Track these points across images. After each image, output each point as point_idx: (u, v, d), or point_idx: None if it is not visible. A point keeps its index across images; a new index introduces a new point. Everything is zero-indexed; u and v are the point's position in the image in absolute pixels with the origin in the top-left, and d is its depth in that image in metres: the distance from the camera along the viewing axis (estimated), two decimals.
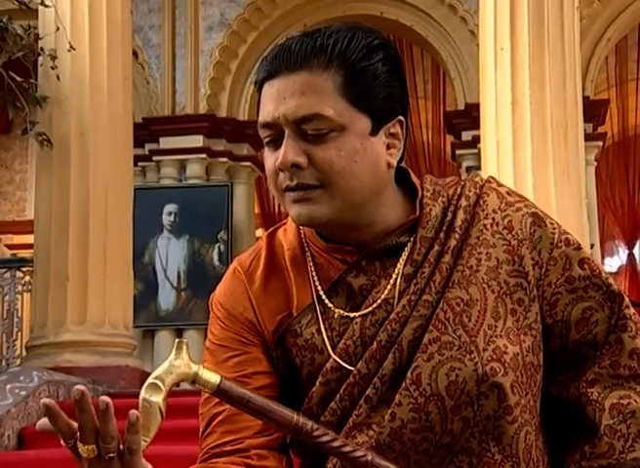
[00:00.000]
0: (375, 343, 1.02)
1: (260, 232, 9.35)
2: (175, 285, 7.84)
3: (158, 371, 0.95)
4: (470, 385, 0.99)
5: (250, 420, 1.04)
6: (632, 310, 1.07)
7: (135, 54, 7.19)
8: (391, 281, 1.04)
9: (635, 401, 1.04)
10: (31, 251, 6.14)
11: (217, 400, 1.06)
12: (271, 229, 1.15)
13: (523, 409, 1.01)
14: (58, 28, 5.43)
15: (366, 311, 1.03)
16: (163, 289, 7.82)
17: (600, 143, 7.75)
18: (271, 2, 8.06)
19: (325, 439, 0.95)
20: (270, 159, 1.03)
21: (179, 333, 7.79)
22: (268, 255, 1.11)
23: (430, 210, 1.05)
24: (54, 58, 5.40)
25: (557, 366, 1.06)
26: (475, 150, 7.02)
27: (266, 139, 1.04)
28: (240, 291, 1.10)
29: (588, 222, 5.56)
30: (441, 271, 1.02)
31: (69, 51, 5.37)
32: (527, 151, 5.05)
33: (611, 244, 10.27)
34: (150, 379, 0.94)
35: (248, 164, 8.26)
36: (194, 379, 0.95)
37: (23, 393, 4.62)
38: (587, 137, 6.32)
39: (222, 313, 1.10)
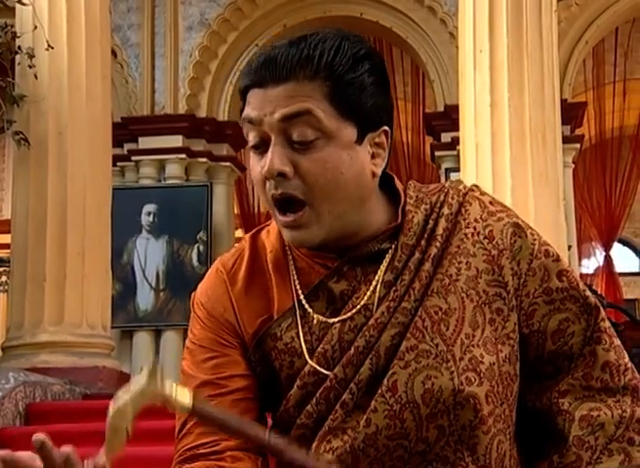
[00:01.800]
0: (352, 349, 1.02)
1: (239, 233, 9.33)
2: (153, 285, 7.81)
3: (128, 394, 0.92)
4: (446, 394, 0.99)
5: None
6: (608, 323, 1.08)
7: (114, 53, 7.15)
8: (371, 287, 1.04)
9: (605, 413, 1.04)
10: (8, 251, 6.09)
11: None
12: (254, 230, 1.15)
13: (497, 418, 1.01)
14: (35, 27, 5.38)
15: (345, 316, 1.03)
16: (142, 289, 7.79)
17: (578, 146, 7.81)
18: (251, 2, 8.04)
19: (296, 457, 0.95)
20: (257, 167, 1.03)
21: (157, 334, 7.76)
22: (251, 257, 1.10)
23: (412, 217, 1.06)
24: (31, 56, 5.35)
25: (532, 375, 1.06)
26: (455, 152, 7.06)
27: (251, 142, 1.03)
28: (221, 291, 1.10)
29: (566, 224, 5.61)
30: (421, 279, 1.03)
31: (47, 49, 5.33)
32: (505, 153, 5.09)
33: (588, 245, 10.36)
34: (120, 403, 0.92)
35: (227, 164, 8.24)
36: (166, 403, 0.94)
37: None
38: (565, 140, 6.37)
39: (203, 313, 1.10)
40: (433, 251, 1.04)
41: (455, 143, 6.93)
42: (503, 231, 1.06)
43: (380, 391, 0.99)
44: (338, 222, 1.02)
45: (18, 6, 5.52)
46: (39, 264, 5.42)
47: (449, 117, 7.29)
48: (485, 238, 1.05)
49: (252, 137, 1.03)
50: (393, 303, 1.02)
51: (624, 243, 12.86)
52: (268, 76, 1.00)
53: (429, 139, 8.38)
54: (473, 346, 1.00)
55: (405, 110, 9.03)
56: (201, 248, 7.82)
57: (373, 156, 1.04)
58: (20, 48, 5.44)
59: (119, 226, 6.75)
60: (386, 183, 1.10)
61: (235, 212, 8.98)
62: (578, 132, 7.91)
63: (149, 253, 7.82)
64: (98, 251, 5.64)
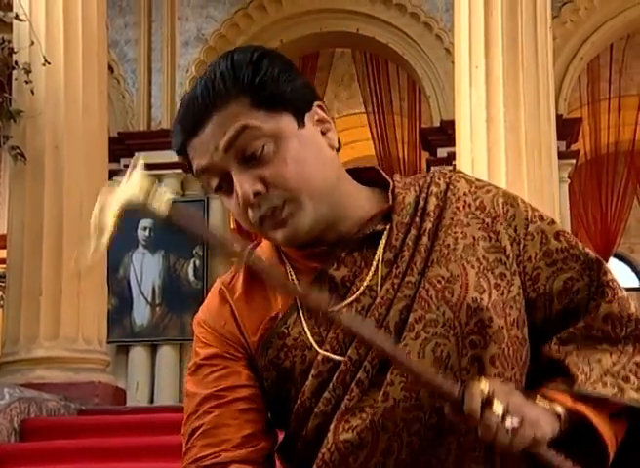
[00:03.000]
0: None
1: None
2: (149, 300, 7.79)
3: (114, 192, 0.95)
4: (453, 359, 1.01)
5: (229, 433, 1.05)
6: (610, 275, 1.09)
7: (110, 68, 7.17)
8: (372, 268, 1.05)
9: (603, 356, 1.04)
10: (4, 266, 6.07)
11: (196, 416, 1.07)
12: (249, 246, 1.15)
13: (507, 381, 1.02)
14: (32, 42, 5.40)
15: (350, 300, 1.05)
16: (138, 304, 7.77)
17: (573, 161, 7.84)
18: (248, 18, 8.08)
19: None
20: (231, 203, 1.05)
21: (153, 349, 7.73)
22: (248, 269, 1.11)
23: (403, 198, 1.08)
24: (28, 72, 5.37)
25: (542, 339, 1.07)
26: (451, 167, 7.07)
27: (214, 186, 1.05)
28: (222, 304, 1.11)
29: None
30: (420, 253, 1.05)
31: (44, 65, 5.34)
32: (501, 168, 5.10)
33: None
34: (105, 200, 0.96)
35: None
36: (144, 206, 0.95)
37: None
38: (561, 155, 6.39)
39: (205, 329, 1.11)
40: (428, 226, 1.06)
41: (451, 158, 6.95)
42: (494, 200, 1.09)
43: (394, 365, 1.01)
44: (321, 204, 1.04)
45: (15, 21, 5.54)
46: (35, 279, 5.40)
47: (445, 132, 7.31)
48: (477, 208, 1.08)
49: (214, 183, 1.05)
50: (397, 279, 1.04)
51: (620, 258, 12.87)
52: (194, 126, 1.03)
53: (425, 155, 8.40)
54: (481, 310, 1.01)
55: (401, 125, 9.05)
56: (197, 263, 7.81)
57: (323, 133, 1.06)
58: (16, 63, 5.46)
59: (115, 241, 6.71)
60: (373, 176, 1.12)
61: (231, 226, 8.98)
62: (573, 147, 7.94)
63: (145, 268, 7.81)
64: (93, 265, 5.62)
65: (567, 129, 7.40)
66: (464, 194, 1.09)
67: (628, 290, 12.96)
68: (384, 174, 1.12)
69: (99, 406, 5.41)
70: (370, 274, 1.05)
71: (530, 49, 5.30)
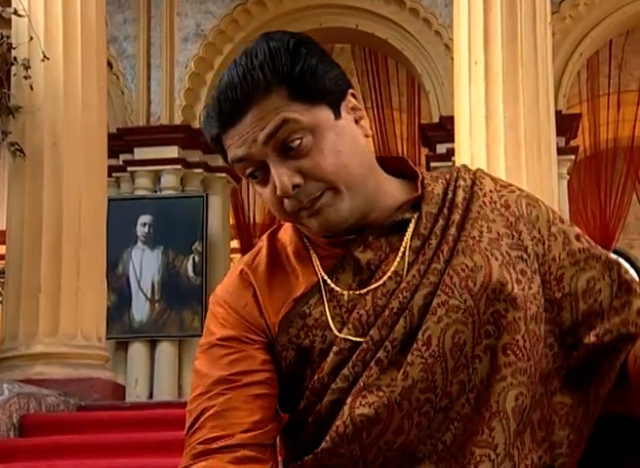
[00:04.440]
0: (387, 311, 1.05)
1: (235, 243, 9.33)
2: (149, 296, 7.79)
3: None
4: (468, 347, 1.03)
5: (240, 417, 1.05)
6: (631, 275, 1.11)
7: (109, 64, 7.17)
8: (399, 254, 1.07)
9: None
10: (3, 261, 6.07)
11: (208, 396, 1.06)
12: (270, 230, 1.17)
13: (520, 370, 1.03)
14: (31, 38, 5.40)
15: (377, 284, 1.06)
16: (137, 300, 7.77)
17: (572, 157, 7.84)
18: (247, 14, 8.07)
19: None
20: (266, 192, 1.05)
21: (152, 345, 7.74)
22: (270, 252, 1.13)
23: (433, 189, 1.10)
24: (27, 67, 5.36)
25: (572, 345, 1.08)
26: (450, 163, 7.07)
27: (248, 173, 1.05)
28: (244, 285, 1.11)
29: None
30: (447, 242, 1.06)
31: (43, 61, 5.34)
32: (501, 164, 5.10)
33: None
34: None
35: (223, 175, 8.25)
36: None
37: None
38: (560, 151, 6.39)
39: (224, 309, 1.11)
40: (456, 217, 1.08)
41: (450, 154, 6.95)
42: (517, 201, 1.12)
43: (415, 346, 1.03)
44: (357, 194, 1.05)
45: (14, 17, 5.54)
46: (34, 275, 5.41)
47: (444, 128, 7.31)
48: (502, 206, 1.10)
49: (248, 171, 1.05)
50: (423, 266, 1.05)
51: (619, 254, 12.88)
52: (232, 116, 1.03)
53: (425, 150, 8.40)
54: (499, 301, 1.04)
55: (400, 121, 9.06)
56: (196, 258, 7.81)
57: (356, 121, 1.07)
58: (15, 59, 5.46)
59: (114, 237, 6.75)
60: (399, 165, 1.14)
61: (231, 222, 8.97)
62: (572, 143, 7.94)
63: (145, 264, 7.81)
64: (93, 261, 5.63)
65: (566, 125, 7.40)
66: (490, 191, 1.11)
67: None
68: (412, 164, 1.14)
69: (98, 401, 5.42)
70: (397, 260, 1.06)
71: (529, 45, 5.30)
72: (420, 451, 1.04)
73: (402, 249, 1.07)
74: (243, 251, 9.10)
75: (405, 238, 1.07)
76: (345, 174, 1.03)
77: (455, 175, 1.12)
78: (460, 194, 1.09)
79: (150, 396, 7.61)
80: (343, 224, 1.06)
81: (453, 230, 1.07)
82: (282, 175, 1.02)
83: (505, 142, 5.10)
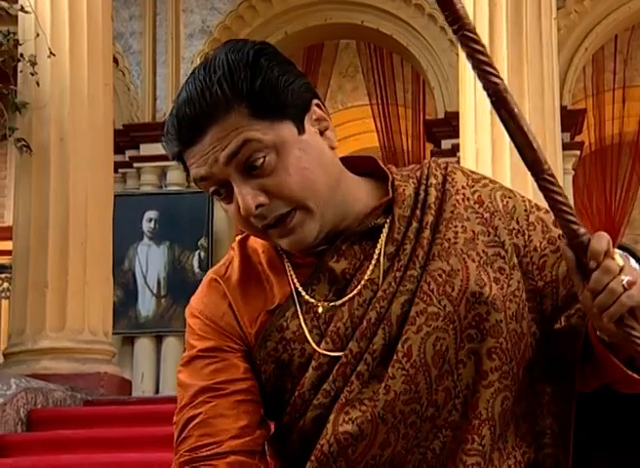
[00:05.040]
0: (364, 322, 1.02)
1: None
2: (155, 291, 7.81)
3: None
4: (450, 353, 1.01)
5: (226, 424, 1.04)
6: None
7: (115, 60, 7.18)
8: (373, 261, 1.05)
9: None
10: (10, 257, 6.10)
11: (192, 405, 1.06)
12: (241, 237, 1.14)
13: (504, 374, 1.02)
14: (38, 34, 5.41)
15: (352, 294, 1.04)
16: (143, 295, 7.79)
17: (578, 152, 7.83)
18: (252, 10, 8.08)
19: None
20: (231, 209, 1.03)
21: (158, 340, 7.76)
22: (243, 260, 1.10)
23: (404, 190, 1.07)
24: (33, 63, 5.38)
25: (551, 327, 1.07)
26: (455, 159, 7.07)
27: (212, 192, 1.03)
28: (218, 296, 1.09)
29: None
30: (422, 246, 1.04)
31: (49, 57, 5.36)
32: (506, 160, 5.10)
33: None
34: None
35: None
36: None
37: (0, 400, 4.59)
38: (565, 147, 6.39)
39: (200, 321, 1.09)
40: (429, 218, 1.05)
41: (455, 150, 6.95)
42: (491, 195, 1.09)
43: (395, 357, 1.01)
44: (327, 209, 1.03)
45: (20, 14, 5.56)
46: (41, 271, 5.43)
47: (449, 124, 7.30)
48: (475, 203, 1.08)
49: (211, 190, 1.03)
50: (399, 273, 1.03)
51: (624, 249, 12.86)
52: (191, 134, 1.00)
53: (430, 146, 8.40)
54: (479, 304, 1.02)
55: (405, 117, 9.05)
56: (202, 254, 7.83)
57: (321, 133, 1.04)
58: (22, 55, 5.47)
59: (120, 233, 6.77)
60: (369, 166, 1.11)
61: None
62: (577, 139, 7.93)
63: (150, 260, 7.83)
64: (99, 257, 5.66)
65: (571, 120, 7.39)
66: (462, 187, 1.08)
67: None
68: (382, 164, 1.11)
69: (104, 396, 5.44)
70: (371, 267, 1.04)
71: (534, 40, 5.29)
72: (409, 462, 1.02)
73: (376, 256, 1.04)
74: None
75: (379, 244, 1.05)
76: (312, 190, 1.00)
77: (426, 172, 1.09)
78: (433, 193, 1.06)
79: (156, 391, 7.64)
80: (314, 243, 1.04)
81: (427, 233, 1.04)
82: (245, 195, 0.99)
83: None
